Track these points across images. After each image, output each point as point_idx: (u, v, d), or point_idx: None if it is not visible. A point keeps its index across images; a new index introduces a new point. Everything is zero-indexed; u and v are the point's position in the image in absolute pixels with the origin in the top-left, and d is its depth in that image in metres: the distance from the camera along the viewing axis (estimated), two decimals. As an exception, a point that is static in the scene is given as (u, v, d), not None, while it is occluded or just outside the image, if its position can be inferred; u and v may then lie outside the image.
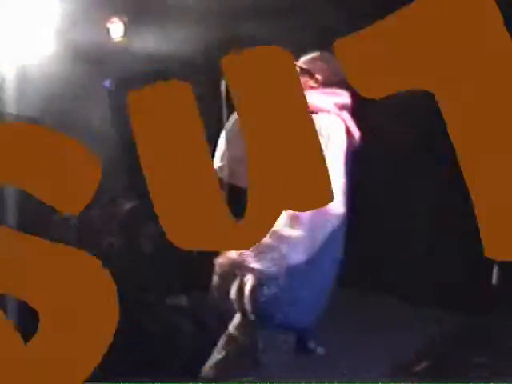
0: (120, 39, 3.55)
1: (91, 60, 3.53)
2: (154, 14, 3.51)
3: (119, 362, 2.02)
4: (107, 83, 3.65)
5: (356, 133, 1.95)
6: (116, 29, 3.56)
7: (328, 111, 1.89)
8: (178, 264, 3.23)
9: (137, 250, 3.59)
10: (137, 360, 2.81)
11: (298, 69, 1.95)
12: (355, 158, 1.96)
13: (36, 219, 3.43)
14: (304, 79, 1.93)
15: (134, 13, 3.53)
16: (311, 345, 3.13)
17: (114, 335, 1.55)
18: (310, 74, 2.00)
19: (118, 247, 3.59)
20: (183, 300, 3.24)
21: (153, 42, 3.54)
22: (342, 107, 1.94)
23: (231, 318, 2.09)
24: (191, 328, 3.01)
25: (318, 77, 1.99)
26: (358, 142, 1.96)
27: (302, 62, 2.06)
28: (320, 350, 3.14)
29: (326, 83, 1.98)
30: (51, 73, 3.52)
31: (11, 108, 3.44)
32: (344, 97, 1.96)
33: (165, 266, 3.30)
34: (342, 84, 1.88)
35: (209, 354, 2.19)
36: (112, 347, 1.52)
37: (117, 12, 3.53)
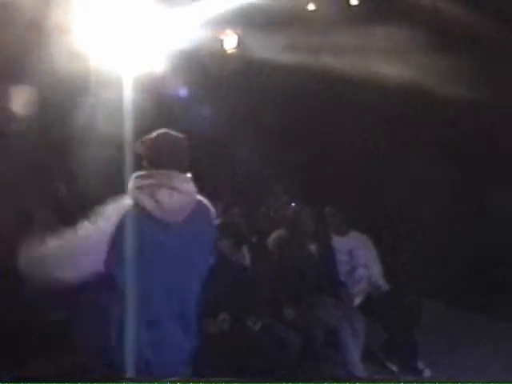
0: (233, 50, 3.58)
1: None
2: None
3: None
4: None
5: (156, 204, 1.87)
6: (229, 40, 3.57)
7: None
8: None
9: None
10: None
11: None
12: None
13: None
14: None
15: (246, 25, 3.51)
16: (420, 366, 3.70)
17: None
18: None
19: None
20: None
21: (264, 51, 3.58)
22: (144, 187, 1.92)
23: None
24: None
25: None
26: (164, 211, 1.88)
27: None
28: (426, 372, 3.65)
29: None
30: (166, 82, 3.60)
31: (128, 117, 3.60)
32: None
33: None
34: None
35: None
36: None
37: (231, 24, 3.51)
